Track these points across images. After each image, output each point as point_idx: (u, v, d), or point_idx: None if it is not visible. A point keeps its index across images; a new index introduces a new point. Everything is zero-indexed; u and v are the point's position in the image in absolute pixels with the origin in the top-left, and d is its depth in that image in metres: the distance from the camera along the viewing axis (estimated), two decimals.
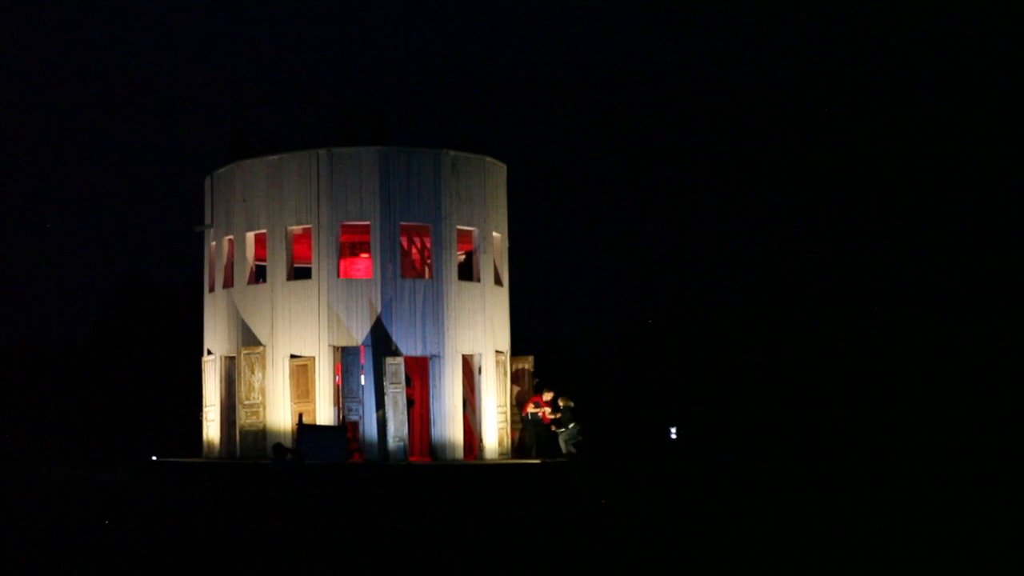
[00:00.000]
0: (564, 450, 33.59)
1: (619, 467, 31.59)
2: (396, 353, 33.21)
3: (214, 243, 36.57)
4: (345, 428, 32.61)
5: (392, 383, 32.56)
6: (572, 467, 31.62)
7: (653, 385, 50.11)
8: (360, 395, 32.93)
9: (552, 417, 34.01)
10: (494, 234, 35.94)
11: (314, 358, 33.44)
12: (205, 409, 36.60)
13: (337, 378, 33.50)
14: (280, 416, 33.56)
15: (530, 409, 34.37)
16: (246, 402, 34.07)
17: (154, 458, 36.30)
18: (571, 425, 33.67)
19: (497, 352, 35.18)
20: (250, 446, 33.81)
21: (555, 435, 33.96)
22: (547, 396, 34.29)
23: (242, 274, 35.21)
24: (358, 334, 33.42)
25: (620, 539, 17.96)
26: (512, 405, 35.46)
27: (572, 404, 33.97)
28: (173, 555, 17.67)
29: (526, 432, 34.84)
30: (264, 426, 33.64)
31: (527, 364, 36.34)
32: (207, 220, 36.93)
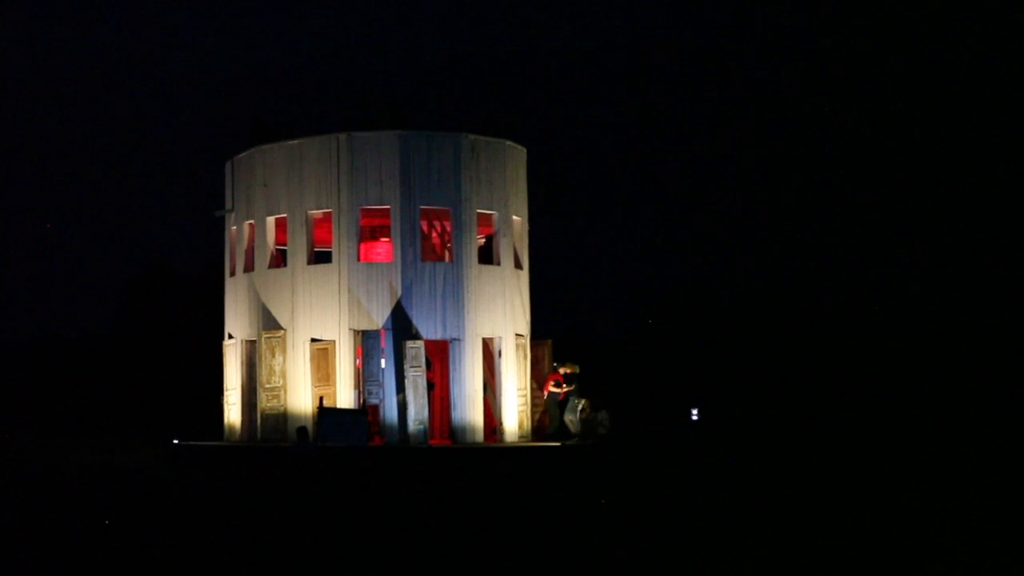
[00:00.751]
0: (573, 430, 33.61)
1: (635, 452, 31.48)
2: (416, 336, 33.28)
3: (235, 228, 36.69)
4: (366, 411, 32.73)
5: (412, 366, 32.63)
6: (571, 448, 31.51)
7: (674, 367, 50.05)
8: (380, 378, 33.02)
9: (568, 390, 33.98)
10: (514, 218, 35.93)
11: (334, 342, 33.54)
12: (226, 393, 36.77)
13: (358, 361, 33.60)
14: (301, 400, 33.69)
15: (551, 388, 34.37)
16: (267, 386, 34.20)
17: (176, 441, 36.49)
18: (572, 399, 33.67)
19: (517, 335, 35.21)
20: (271, 429, 33.96)
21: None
22: (563, 370, 34.32)
23: (263, 258, 35.33)
24: (378, 318, 33.49)
25: (626, 529, 17.95)
26: (533, 388, 35.49)
27: (576, 369, 34.00)
28: (193, 537, 17.76)
29: (547, 414, 34.91)
30: (285, 409, 33.77)
31: (546, 348, 36.38)
32: (227, 205, 37.05)
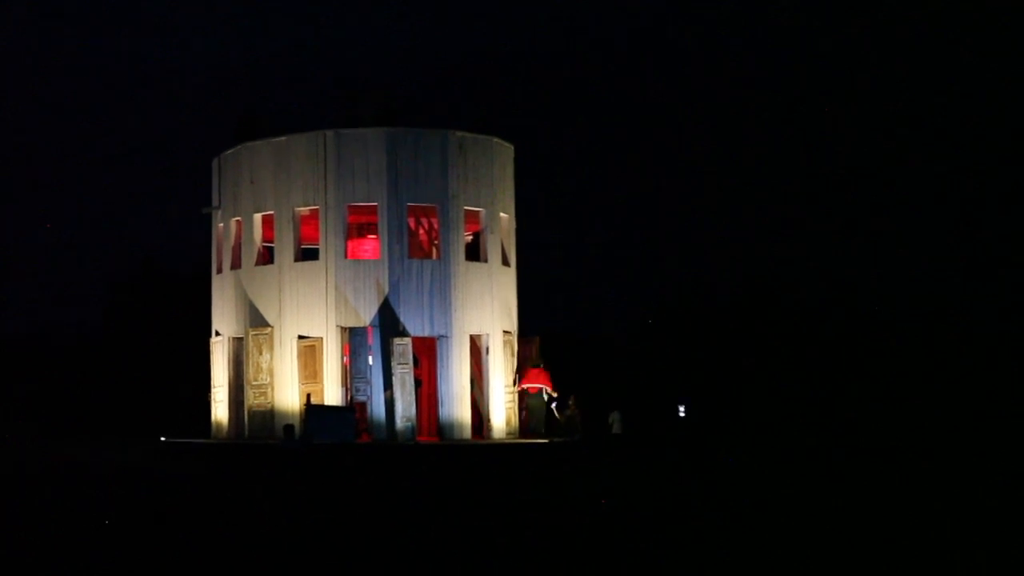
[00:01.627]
0: (542, 428, 34.02)
1: (640, 451, 31.51)
2: (404, 334, 33.27)
3: (221, 225, 36.64)
4: (353, 408, 32.72)
5: (400, 363, 32.63)
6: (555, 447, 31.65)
7: (662, 364, 50.12)
8: (368, 375, 33.01)
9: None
10: (501, 215, 35.94)
11: (322, 339, 33.52)
12: (213, 390, 36.71)
13: (345, 359, 33.59)
14: (288, 397, 33.67)
15: (545, 389, 34.54)
16: (254, 383, 34.18)
17: (163, 439, 36.44)
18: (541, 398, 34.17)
19: (505, 332, 35.23)
20: (258, 426, 33.93)
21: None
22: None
23: (250, 255, 35.29)
24: (366, 315, 33.49)
25: (620, 523, 18.00)
26: (516, 386, 35.51)
27: (541, 364, 34.43)
28: (182, 535, 17.76)
29: (525, 411, 34.97)
30: (272, 406, 33.75)
31: (534, 345, 36.41)
32: (214, 202, 36.99)
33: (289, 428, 31.87)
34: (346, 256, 34.04)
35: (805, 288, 57.28)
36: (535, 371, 34.94)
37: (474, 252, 35.51)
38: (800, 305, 55.81)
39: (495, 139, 36.10)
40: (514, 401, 35.15)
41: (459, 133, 35.02)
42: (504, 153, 36.59)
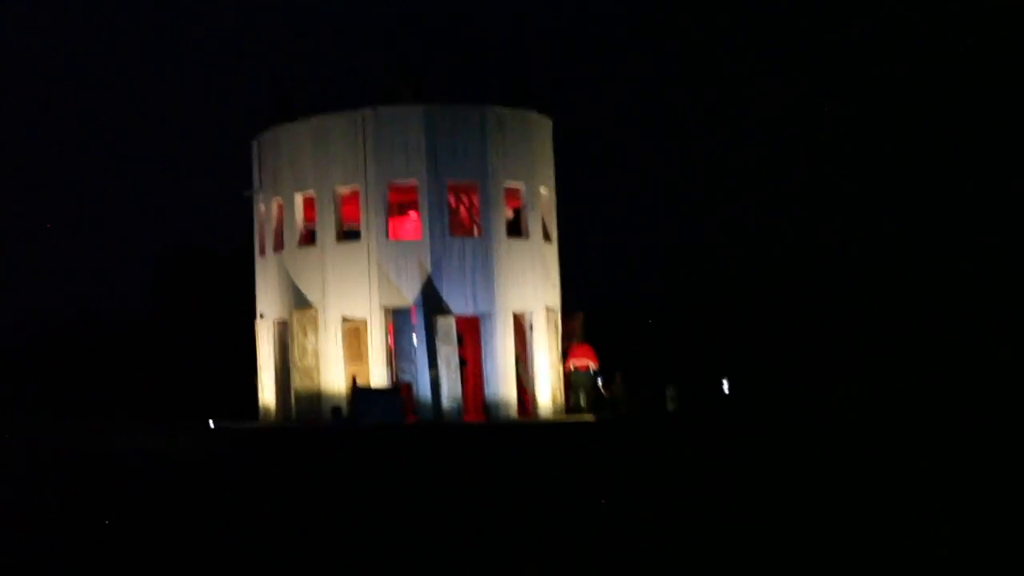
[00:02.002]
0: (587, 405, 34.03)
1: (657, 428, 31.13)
2: (447, 312, 33.15)
3: (263, 207, 36.63)
4: (399, 389, 32.65)
5: (444, 343, 32.52)
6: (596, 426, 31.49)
7: (705, 338, 49.75)
8: (412, 356, 32.92)
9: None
10: (541, 190, 35.69)
11: (366, 320, 33.46)
12: (260, 372, 36.69)
13: (389, 339, 33.50)
14: (334, 378, 33.64)
15: (591, 366, 34.48)
16: (300, 365, 34.17)
17: (212, 423, 36.48)
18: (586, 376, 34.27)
19: (548, 309, 35.03)
20: (305, 409, 33.94)
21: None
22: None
23: (292, 237, 35.25)
24: (409, 294, 33.37)
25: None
26: (561, 362, 35.33)
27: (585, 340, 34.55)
28: (232, 518, 17.77)
29: (573, 390, 34.85)
30: (319, 389, 33.75)
31: (578, 321, 36.20)
32: (255, 184, 36.97)
33: (337, 410, 31.90)
34: (388, 235, 33.93)
35: (810, 288, 56.52)
36: (580, 347, 34.76)
37: (515, 228, 35.31)
38: (803, 303, 55.08)
39: (533, 113, 35.83)
40: (560, 379, 34.99)
41: (497, 108, 34.77)
42: (543, 127, 36.31)
